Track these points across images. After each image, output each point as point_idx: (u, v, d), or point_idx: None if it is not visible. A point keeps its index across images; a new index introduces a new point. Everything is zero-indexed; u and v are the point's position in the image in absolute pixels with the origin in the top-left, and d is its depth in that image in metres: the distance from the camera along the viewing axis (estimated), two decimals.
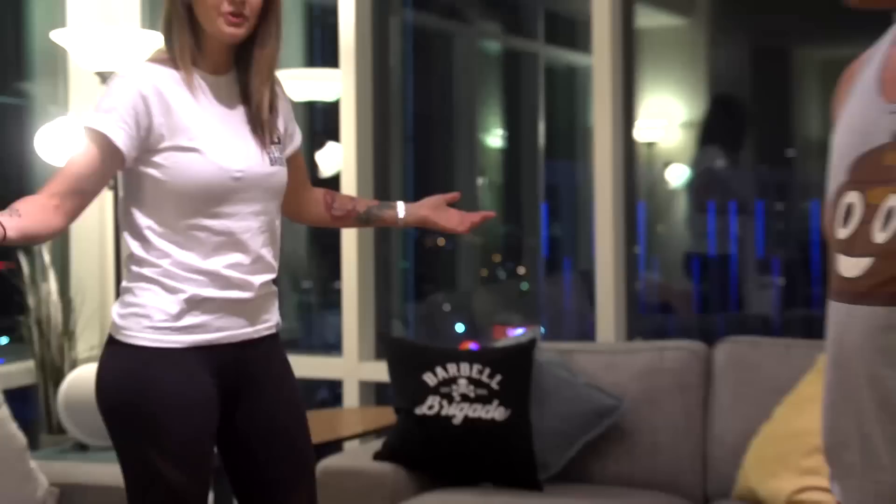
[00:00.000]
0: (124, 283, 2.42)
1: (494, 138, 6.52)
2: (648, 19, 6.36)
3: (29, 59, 4.59)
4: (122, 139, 2.31)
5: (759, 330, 5.61)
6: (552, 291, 6.35)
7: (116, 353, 2.38)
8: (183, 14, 2.38)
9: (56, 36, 4.19)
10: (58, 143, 4.18)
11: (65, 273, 4.39)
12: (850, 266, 1.66)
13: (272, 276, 2.48)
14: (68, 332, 4.24)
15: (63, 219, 2.30)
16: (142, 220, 2.38)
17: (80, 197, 2.32)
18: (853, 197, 1.67)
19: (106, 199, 4.48)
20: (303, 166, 2.64)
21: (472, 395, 3.63)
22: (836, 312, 1.70)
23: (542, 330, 5.83)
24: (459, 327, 6.03)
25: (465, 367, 3.67)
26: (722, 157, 5.70)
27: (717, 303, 5.89)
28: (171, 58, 2.39)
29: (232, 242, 2.38)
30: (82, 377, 3.91)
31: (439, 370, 3.69)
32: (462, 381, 3.66)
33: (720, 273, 5.86)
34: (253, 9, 2.36)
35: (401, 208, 2.69)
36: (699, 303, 5.86)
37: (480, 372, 3.66)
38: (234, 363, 2.43)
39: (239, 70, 2.44)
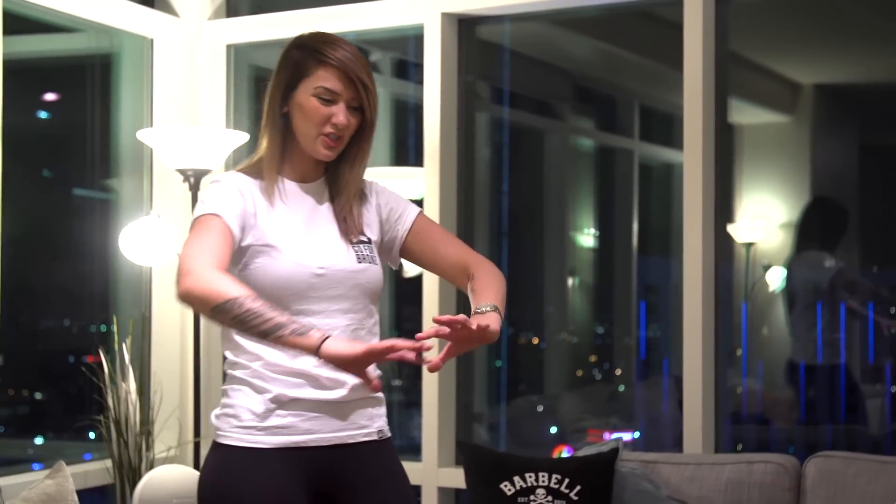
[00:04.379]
0: (223, 387, 2.49)
1: (586, 237, 6.42)
2: (750, 116, 6.24)
3: (115, 156, 4.63)
4: (235, 223, 2.37)
5: (867, 443, 5.38)
6: (649, 395, 6.17)
7: (213, 451, 2.44)
8: (280, 125, 2.46)
9: (142, 135, 4.22)
10: (141, 241, 4.19)
11: (144, 372, 4.37)
12: None
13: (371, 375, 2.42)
14: (146, 432, 4.20)
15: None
16: None
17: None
18: None
19: None
20: (429, 232, 2.59)
21: None
22: None
23: (637, 434, 5.66)
24: (552, 430, 5.88)
25: (543, 476, 3.55)
26: (828, 258, 5.50)
27: (825, 413, 5.66)
28: (256, 165, 2.48)
29: None
30: (158, 478, 3.86)
31: (517, 479, 3.57)
32: (540, 492, 3.54)
33: (829, 380, 5.64)
34: (350, 132, 2.45)
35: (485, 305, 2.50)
36: (803, 412, 5.64)
37: (559, 482, 3.53)
38: (330, 468, 2.43)
39: (330, 177, 2.52)
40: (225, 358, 2.48)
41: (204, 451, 4.48)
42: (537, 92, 5.94)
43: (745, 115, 6.20)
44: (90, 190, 4.81)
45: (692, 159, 4.02)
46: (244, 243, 2.40)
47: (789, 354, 5.61)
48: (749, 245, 5.88)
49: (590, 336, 6.45)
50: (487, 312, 2.44)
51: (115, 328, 4.31)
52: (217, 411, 2.47)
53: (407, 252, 2.62)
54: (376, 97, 2.47)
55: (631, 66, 6.07)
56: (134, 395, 4.17)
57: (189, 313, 4.43)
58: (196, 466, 4.25)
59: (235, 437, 2.39)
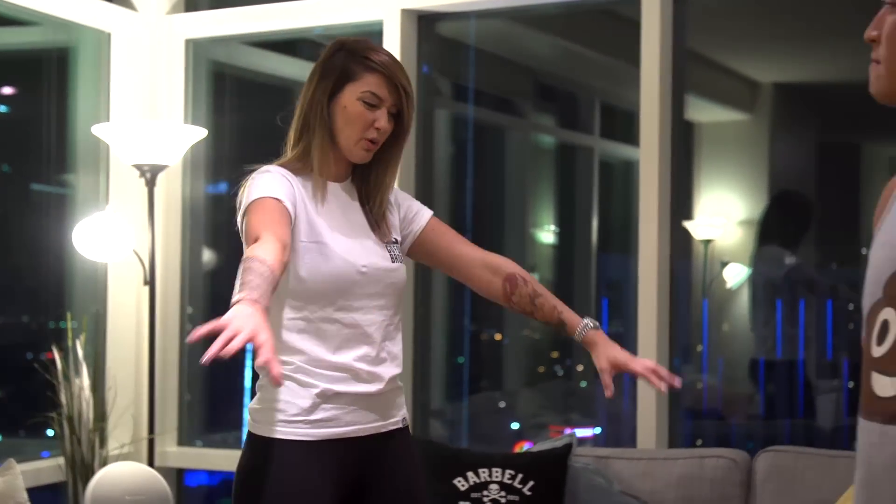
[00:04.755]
0: (260, 381, 2.53)
1: (547, 233, 6.43)
2: (710, 114, 6.27)
3: (72, 150, 4.60)
4: (291, 207, 2.42)
5: (823, 438, 5.42)
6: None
7: (254, 444, 2.49)
8: (327, 126, 2.51)
9: (98, 130, 4.20)
10: (96, 237, 4.17)
11: (99, 368, 4.34)
12: (884, 385, 1.62)
13: (398, 370, 2.58)
14: (99, 429, 4.18)
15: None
16: (272, 318, 2.42)
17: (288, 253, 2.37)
18: (888, 314, 1.63)
19: (142, 294, 4.45)
20: (444, 232, 2.69)
21: (503, 501, 3.51)
22: (868, 432, 1.64)
23: (598, 430, 5.67)
24: (514, 426, 5.89)
25: (497, 472, 3.56)
26: (788, 255, 5.53)
27: (784, 408, 5.69)
28: (299, 163, 2.53)
29: (360, 335, 2.50)
30: (111, 475, 3.85)
31: (470, 475, 3.58)
32: (493, 487, 3.55)
33: (787, 376, 5.67)
34: (385, 137, 2.53)
35: (585, 325, 2.63)
36: (764, 407, 5.67)
37: (513, 477, 3.54)
38: (363, 457, 2.52)
39: (357, 177, 2.60)
40: None
41: (159, 448, 4.47)
42: (499, 89, 5.94)
43: (704, 113, 6.23)
44: (47, 185, 4.78)
45: (649, 156, 4.04)
46: (294, 237, 2.46)
47: (750, 350, 5.65)
48: (707, 242, 5.90)
49: (552, 332, 6.44)
50: (599, 331, 2.62)
51: (69, 324, 4.29)
52: (256, 405, 2.52)
53: (420, 251, 2.71)
54: (414, 104, 2.58)
55: (592, 63, 6.08)
56: (87, 392, 4.15)
57: (145, 309, 4.41)
58: (150, 463, 4.23)
59: (282, 431, 2.46)
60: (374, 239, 2.57)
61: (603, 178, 6.25)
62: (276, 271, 2.22)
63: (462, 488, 3.57)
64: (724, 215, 5.94)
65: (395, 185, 2.68)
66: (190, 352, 4.63)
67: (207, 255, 4.85)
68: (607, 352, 2.59)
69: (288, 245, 2.35)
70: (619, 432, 5.86)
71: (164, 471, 4.26)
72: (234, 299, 2.12)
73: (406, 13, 4.39)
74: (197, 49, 4.77)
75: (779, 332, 5.49)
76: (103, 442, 4.20)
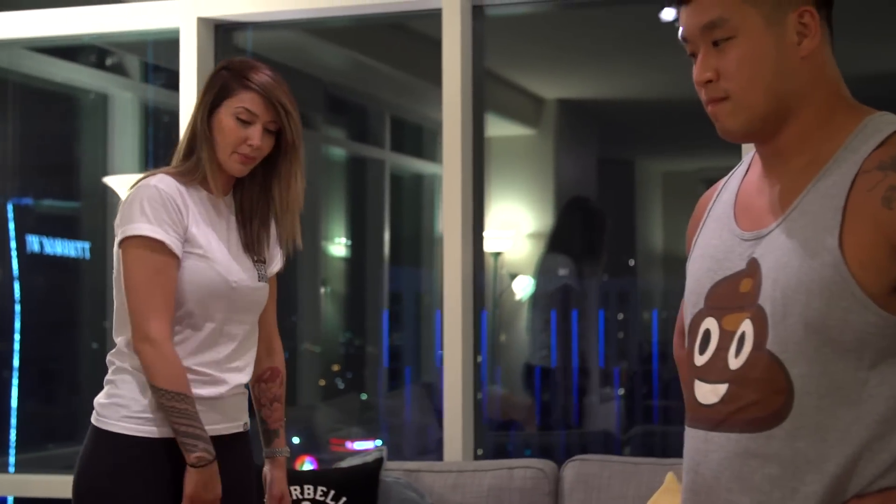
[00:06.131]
0: (108, 376, 2.60)
1: (338, 246, 6.42)
2: (498, 129, 6.40)
3: None
4: (179, 246, 2.55)
5: (597, 444, 5.58)
6: (393, 403, 6.21)
7: (96, 438, 2.56)
8: (208, 139, 2.62)
9: None
10: None
11: None
12: (706, 393, 1.66)
13: (247, 378, 2.68)
14: None
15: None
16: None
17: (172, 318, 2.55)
18: (710, 323, 1.68)
19: None
20: (273, 294, 2.79)
21: None
22: (693, 439, 1.70)
23: (380, 443, 5.68)
24: (294, 440, 5.84)
25: (309, 489, 3.53)
26: (568, 265, 5.67)
27: (560, 416, 5.84)
28: (188, 173, 2.62)
29: (216, 343, 2.60)
30: None
31: None
32: None
33: (563, 385, 5.82)
34: (263, 153, 2.63)
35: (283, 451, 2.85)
36: (540, 416, 5.80)
37: (325, 494, 3.52)
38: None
39: (240, 193, 2.68)
40: (115, 346, 2.61)
41: None
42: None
43: (492, 127, 6.35)
44: None
45: (451, 173, 4.07)
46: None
47: (526, 359, 5.77)
48: (497, 254, 6.01)
49: (336, 345, 6.44)
50: (281, 459, 2.83)
51: None
52: (102, 399, 2.58)
53: None
54: (297, 122, 2.66)
55: (382, 76, 6.11)
56: None
57: None
58: None
59: (126, 427, 2.52)
60: (246, 255, 2.67)
61: (394, 190, 6.29)
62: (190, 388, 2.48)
63: None
64: (514, 227, 6.05)
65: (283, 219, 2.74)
66: None
67: (7, 271, 4.64)
68: (281, 486, 2.81)
69: (173, 315, 2.53)
70: (401, 445, 5.90)
71: None
72: (196, 454, 2.45)
73: (203, 22, 4.31)
74: None
75: (553, 341, 5.64)
76: None
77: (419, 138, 6.45)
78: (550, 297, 5.69)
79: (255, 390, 2.81)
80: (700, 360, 1.68)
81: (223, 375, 2.61)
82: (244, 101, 2.61)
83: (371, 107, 6.44)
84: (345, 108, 6.58)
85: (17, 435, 4.62)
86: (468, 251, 4.07)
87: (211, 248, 2.60)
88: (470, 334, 4.04)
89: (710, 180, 1.93)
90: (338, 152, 6.59)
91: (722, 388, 1.64)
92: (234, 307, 2.62)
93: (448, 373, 4.01)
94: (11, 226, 4.58)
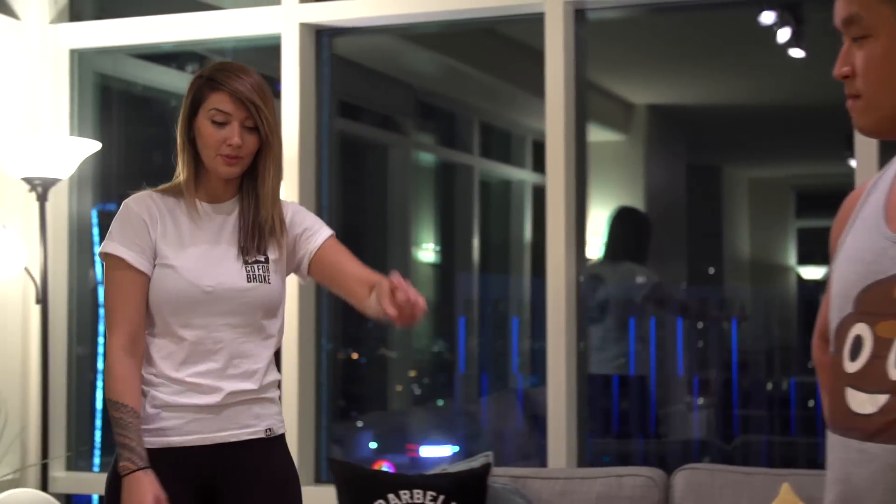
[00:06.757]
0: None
1: (426, 252, 6.42)
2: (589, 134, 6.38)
3: None
4: (143, 262, 2.60)
5: (679, 453, 5.54)
6: (471, 409, 6.19)
7: (115, 452, 2.60)
8: (190, 150, 2.65)
9: None
10: None
11: None
12: (862, 402, 1.62)
13: (251, 385, 2.64)
14: None
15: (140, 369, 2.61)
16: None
17: (140, 333, 2.60)
18: (861, 329, 1.64)
19: (32, 311, 4.27)
20: (338, 251, 2.71)
21: None
22: (845, 449, 1.65)
23: (458, 448, 5.66)
24: (372, 445, 5.84)
25: (418, 493, 3.53)
26: (644, 273, 5.61)
27: (637, 424, 5.80)
28: (176, 187, 2.67)
29: (204, 352, 2.60)
30: (7, 502, 3.69)
31: (392, 497, 3.54)
32: None
33: (641, 393, 5.77)
34: (248, 151, 2.63)
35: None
36: (618, 424, 5.76)
37: (434, 499, 3.52)
38: (213, 465, 2.60)
39: (242, 198, 2.69)
40: None
41: (52, 473, 4.31)
42: (381, 106, 5.91)
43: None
44: None
45: (555, 181, 4.05)
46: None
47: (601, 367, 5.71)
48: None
49: (414, 350, 6.41)
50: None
51: None
52: None
53: (316, 270, 2.74)
54: (271, 117, 2.65)
55: (472, 81, 6.11)
56: None
57: (33, 329, 4.24)
58: (43, 488, 4.06)
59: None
60: (234, 259, 2.65)
61: (482, 196, 6.28)
62: (139, 404, 2.55)
63: None
64: (601, 234, 6.02)
65: (294, 205, 2.77)
66: (79, 374, 4.48)
67: (92, 276, 4.68)
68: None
69: (141, 326, 2.60)
70: (479, 451, 5.86)
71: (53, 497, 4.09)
72: (122, 463, 2.49)
73: (305, 27, 4.33)
74: (82, 59, 4.60)
75: (631, 349, 5.60)
76: None
77: (507, 144, 6.43)
78: (628, 305, 5.65)
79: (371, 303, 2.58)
80: (852, 367, 1.64)
81: (219, 384, 2.62)
82: (215, 102, 2.62)
83: (460, 112, 6.43)
84: (434, 114, 6.57)
85: (102, 436, 4.66)
86: (571, 260, 4.06)
87: (178, 257, 2.62)
88: (574, 342, 4.03)
89: (800, 187, 1.90)
90: (427, 158, 6.59)
91: (882, 399, 1.59)
92: (217, 311, 2.62)
93: (552, 380, 4.00)
94: (95, 231, 4.62)
